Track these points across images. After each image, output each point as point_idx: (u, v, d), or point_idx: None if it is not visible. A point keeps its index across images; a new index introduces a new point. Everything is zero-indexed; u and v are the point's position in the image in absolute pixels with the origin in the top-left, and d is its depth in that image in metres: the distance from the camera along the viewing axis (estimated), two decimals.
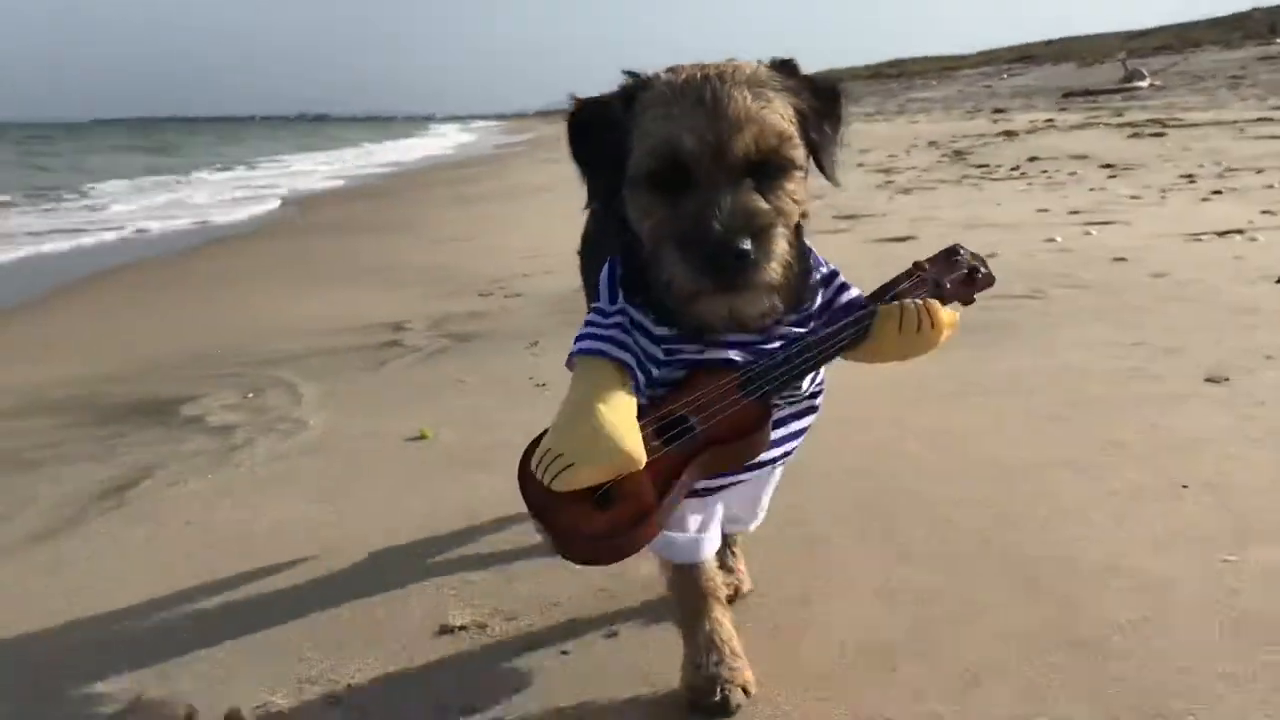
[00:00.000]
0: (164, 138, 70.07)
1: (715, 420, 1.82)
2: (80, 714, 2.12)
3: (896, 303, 1.85)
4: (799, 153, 1.73)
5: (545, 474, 1.70)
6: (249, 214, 15.55)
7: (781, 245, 1.68)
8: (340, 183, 22.25)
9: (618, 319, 1.87)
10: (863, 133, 22.91)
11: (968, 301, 1.97)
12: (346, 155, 39.14)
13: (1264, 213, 7.14)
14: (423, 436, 3.79)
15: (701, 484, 1.88)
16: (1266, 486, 2.72)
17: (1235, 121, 15.22)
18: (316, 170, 28.92)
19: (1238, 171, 9.71)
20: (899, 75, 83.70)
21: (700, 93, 1.69)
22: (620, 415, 1.74)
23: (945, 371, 3.91)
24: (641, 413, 1.81)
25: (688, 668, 1.99)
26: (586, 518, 1.72)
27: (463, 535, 2.86)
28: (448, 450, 3.62)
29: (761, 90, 1.71)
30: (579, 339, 1.87)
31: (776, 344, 1.85)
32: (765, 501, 2.20)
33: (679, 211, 1.68)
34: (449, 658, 2.22)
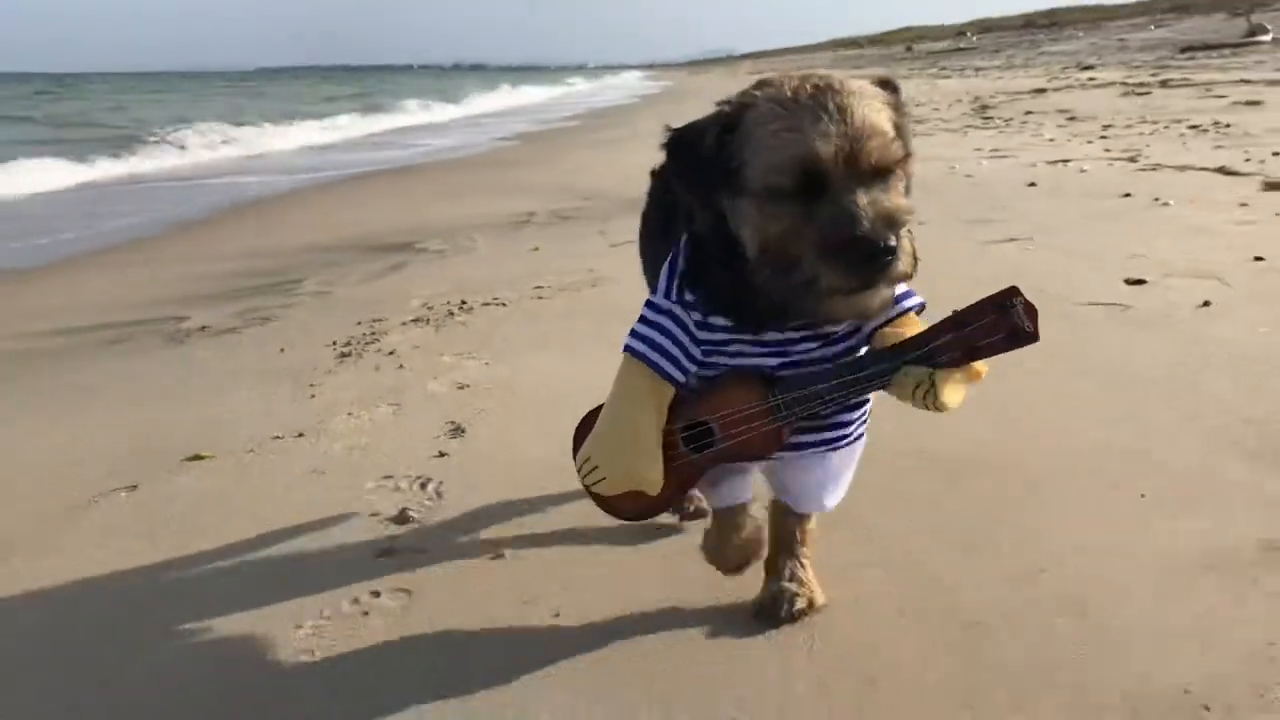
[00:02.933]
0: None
1: (738, 439, 2.01)
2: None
3: (914, 371, 1.88)
4: (906, 162, 1.87)
5: (584, 478, 2.08)
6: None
7: (910, 241, 1.81)
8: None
9: (667, 319, 2.04)
10: (938, 88, 25.77)
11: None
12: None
13: (1105, 150, 10.18)
14: (535, 250, 7.79)
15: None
16: None
17: (1210, 83, 17.73)
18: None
19: (1144, 123, 12.51)
20: (1051, 25, 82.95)
21: (822, 103, 1.79)
22: (648, 439, 2.02)
23: None
24: (676, 412, 2.06)
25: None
26: (622, 497, 2.14)
27: (544, 277, 6.79)
28: (548, 254, 7.58)
29: (873, 103, 1.84)
30: (632, 333, 2.07)
31: (815, 347, 2.00)
32: (831, 488, 2.25)
33: (815, 217, 1.77)
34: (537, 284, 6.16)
